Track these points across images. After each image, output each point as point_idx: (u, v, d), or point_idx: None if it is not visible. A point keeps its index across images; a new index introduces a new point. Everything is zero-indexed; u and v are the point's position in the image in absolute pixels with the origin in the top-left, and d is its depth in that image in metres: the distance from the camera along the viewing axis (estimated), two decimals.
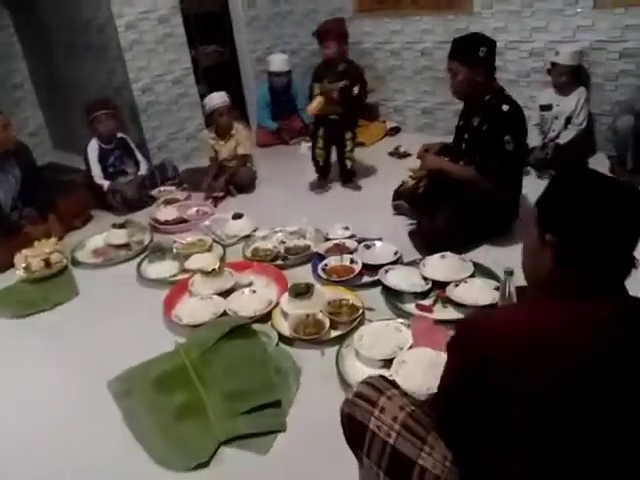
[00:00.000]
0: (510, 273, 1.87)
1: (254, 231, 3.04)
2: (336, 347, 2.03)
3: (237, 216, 3.08)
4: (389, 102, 4.59)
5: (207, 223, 3.21)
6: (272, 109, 4.58)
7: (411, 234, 2.78)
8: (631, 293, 1.04)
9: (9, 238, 3.07)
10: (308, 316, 2.16)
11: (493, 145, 2.47)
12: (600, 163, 3.40)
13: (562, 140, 3.42)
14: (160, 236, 3.20)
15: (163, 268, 2.76)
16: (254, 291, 2.41)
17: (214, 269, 2.49)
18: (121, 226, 3.12)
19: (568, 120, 3.45)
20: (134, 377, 2.03)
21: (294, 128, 4.69)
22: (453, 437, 1.12)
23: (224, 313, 2.28)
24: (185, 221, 3.32)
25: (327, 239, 2.81)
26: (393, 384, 1.27)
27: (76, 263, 2.99)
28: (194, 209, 3.44)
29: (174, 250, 2.87)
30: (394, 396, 1.19)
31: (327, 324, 2.10)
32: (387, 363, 1.90)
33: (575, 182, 1.05)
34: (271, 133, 4.61)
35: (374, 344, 1.96)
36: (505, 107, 2.47)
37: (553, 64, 3.47)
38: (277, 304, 2.29)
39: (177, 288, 2.54)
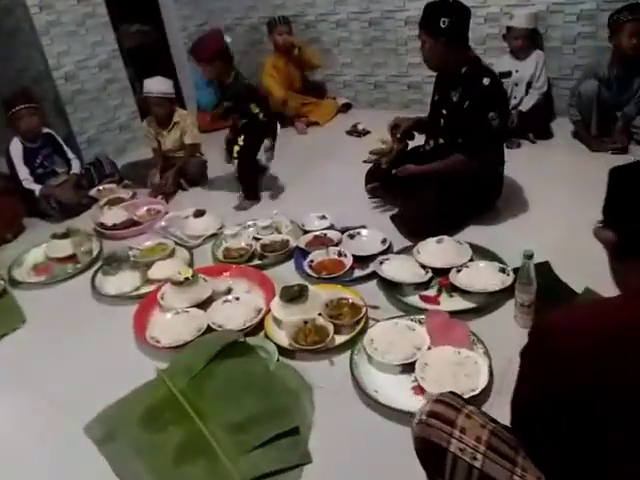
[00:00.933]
0: (530, 257, 1.74)
1: (220, 229, 2.75)
2: (344, 354, 1.83)
3: (199, 213, 2.76)
4: (338, 77, 4.35)
5: (163, 224, 2.88)
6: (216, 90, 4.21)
7: (393, 219, 2.59)
8: None
9: None
10: (306, 322, 1.94)
11: (478, 123, 2.32)
12: (562, 128, 3.37)
13: (524, 107, 3.34)
14: (110, 243, 2.83)
15: (123, 281, 2.42)
16: (237, 298, 2.14)
17: (187, 277, 2.19)
18: (63, 235, 2.72)
19: (529, 85, 3.38)
20: (116, 416, 1.73)
21: None
22: (542, 458, 0.99)
23: (208, 328, 2.01)
24: (136, 223, 2.96)
25: (305, 231, 2.58)
26: (464, 399, 1.12)
27: (15, 284, 2.57)
28: (144, 208, 3.08)
29: (131, 258, 2.53)
30: (472, 413, 1.05)
31: (331, 330, 1.89)
32: (406, 367, 1.72)
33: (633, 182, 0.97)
34: (214, 116, 4.23)
35: (388, 347, 1.77)
36: (486, 80, 2.31)
37: (508, 28, 3.38)
38: (268, 311, 2.04)
39: (145, 303, 2.23)
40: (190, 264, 2.48)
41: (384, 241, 2.39)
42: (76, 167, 3.39)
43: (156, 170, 3.32)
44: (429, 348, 1.75)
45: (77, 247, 2.67)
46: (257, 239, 2.59)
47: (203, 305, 2.15)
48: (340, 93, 4.38)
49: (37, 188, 3.13)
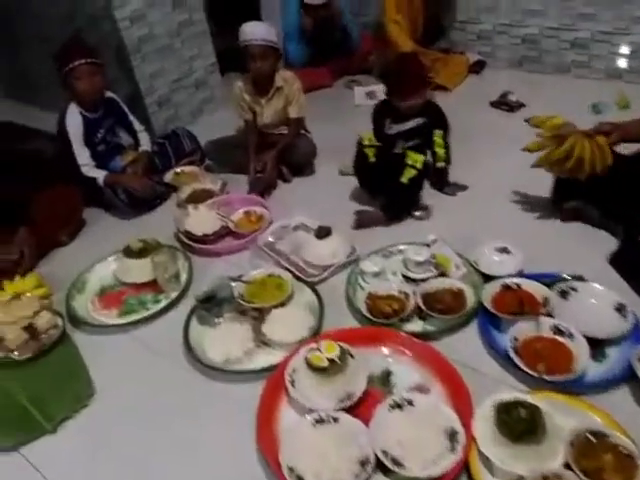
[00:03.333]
0: None
1: (351, 255, 1.97)
2: None
3: (324, 232, 1.97)
4: (471, 25, 3.36)
5: (270, 239, 2.12)
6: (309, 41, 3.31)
7: (617, 263, 1.76)
8: None
9: None
10: (546, 479, 1.18)
11: None
12: None
13: None
14: (200, 261, 2.11)
15: (228, 337, 1.68)
16: (410, 403, 1.39)
17: (332, 360, 1.45)
18: (140, 253, 2.00)
19: None
20: None
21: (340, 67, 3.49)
22: None
23: (378, 463, 1.28)
24: (233, 234, 2.21)
25: (483, 275, 1.78)
26: None
27: (75, 322, 1.90)
28: (241, 211, 2.30)
29: (237, 298, 1.80)
30: None
31: None
32: None
33: None
34: (306, 71, 3.34)
35: None
36: None
37: None
38: (469, 441, 1.29)
39: (269, 389, 1.50)
40: (319, 315, 1.73)
41: (620, 309, 1.57)
42: (146, 142, 2.63)
43: (252, 153, 2.53)
44: None
45: (161, 272, 1.95)
46: (407, 278, 1.82)
47: (356, 408, 1.42)
48: (471, 47, 3.40)
49: (101, 175, 2.39)
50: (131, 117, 2.60)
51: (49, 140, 3.14)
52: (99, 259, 2.13)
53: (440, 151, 2.20)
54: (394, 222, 2.16)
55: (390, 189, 2.15)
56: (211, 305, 1.78)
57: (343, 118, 3.06)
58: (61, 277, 2.10)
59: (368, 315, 1.68)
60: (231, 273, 1.95)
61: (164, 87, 3.04)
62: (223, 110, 3.30)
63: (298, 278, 1.90)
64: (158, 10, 2.88)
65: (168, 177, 2.59)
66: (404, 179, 2.11)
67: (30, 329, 1.75)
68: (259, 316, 1.77)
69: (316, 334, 1.66)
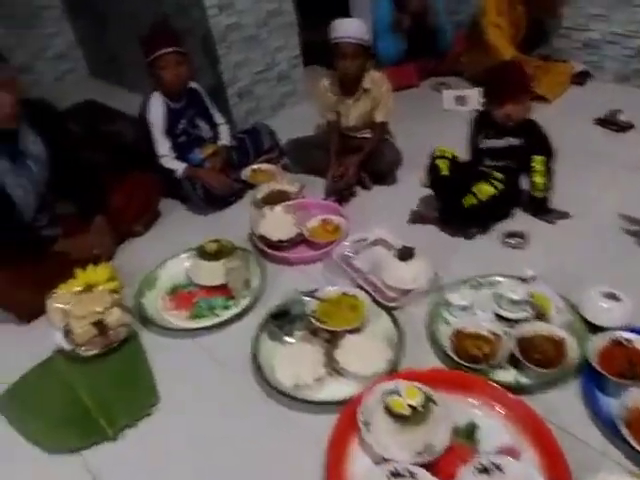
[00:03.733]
0: None
1: (433, 282, 1.82)
2: None
3: (407, 254, 1.83)
4: (578, 32, 3.08)
5: (347, 252, 2.00)
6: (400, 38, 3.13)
7: None
8: None
9: (35, 263, 1.93)
10: None
11: None
12: None
13: None
14: (272, 268, 2.02)
15: (298, 360, 1.57)
16: (499, 468, 1.24)
17: (414, 408, 1.31)
18: (214, 255, 1.92)
19: None
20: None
21: (428, 67, 3.30)
22: None
23: None
24: (308, 243, 2.11)
25: (589, 324, 1.58)
26: None
27: (145, 320, 1.85)
28: (318, 219, 2.19)
29: (309, 316, 1.69)
30: None
31: None
32: None
33: None
34: (392, 70, 3.15)
35: None
36: None
37: None
38: None
39: (341, 426, 1.39)
40: (398, 348, 1.60)
41: None
42: (226, 136, 2.55)
43: (333, 156, 2.41)
44: None
45: (233, 278, 1.87)
46: (499, 316, 1.65)
47: (435, 463, 1.28)
48: (576, 56, 3.12)
49: (180, 168, 2.34)
50: (213, 109, 2.53)
51: (131, 124, 3.14)
52: (172, 255, 2.08)
53: (539, 180, 2.00)
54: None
55: (452, 203, 2.04)
56: (283, 322, 1.68)
57: (429, 123, 2.89)
58: (132, 270, 2.07)
59: (454, 356, 1.53)
60: (303, 285, 1.87)
61: (247, 78, 2.95)
62: (303, 105, 3.21)
63: (374, 299, 1.77)
64: None
65: (245, 174, 2.52)
66: (465, 203, 1.98)
67: (99, 325, 1.71)
68: (331, 338, 1.66)
69: (394, 369, 1.53)
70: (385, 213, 2.25)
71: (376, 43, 3.19)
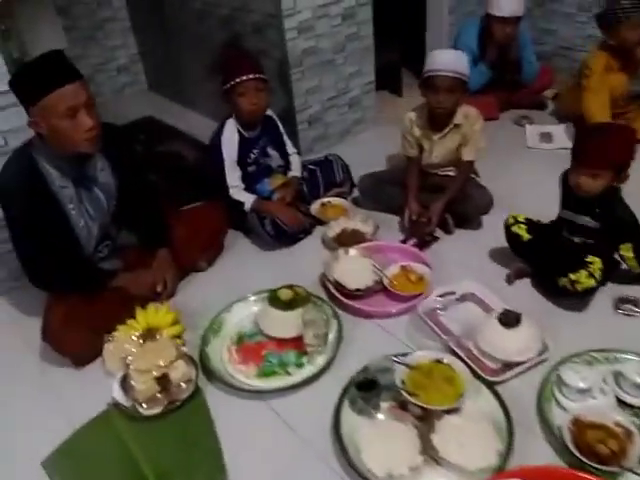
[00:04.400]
0: None
1: (542, 354, 1.58)
2: None
3: (512, 320, 1.59)
4: None
5: (438, 308, 1.79)
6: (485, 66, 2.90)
7: None
8: None
9: (92, 299, 1.77)
10: None
11: None
12: None
13: None
14: (348, 322, 1.81)
15: (390, 443, 1.35)
16: None
17: None
18: (288, 304, 1.73)
19: None
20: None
21: (509, 98, 3.07)
22: None
23: None
24: (389, 294, 1.90)
25: None
26: None
27: (209, 373, 1.66)
28: (398, 266, 1.98)
29: (399, 388, 1.47)
30: None
31: None
32: None
33: None
34: (470, 100, 2.93)
35: None
36: None
37: None
38: None
39: None
40: (507, 435, 1.37)
41: None
42: (297, 167, 2.39)
43: (413, 197, 2.20)
44: None
45: (309, 331, 1.67)
46: (621, 401, 1.41)
47: None
48: None
49: (249, 200, 2.17)
50: (285, 138, 2.37)
51: (191, 144, 3.03)
52: (238, 298, 1.90)
53: (634, 264, 1.76)
54: None
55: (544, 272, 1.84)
56: (371, 395, 1.47)
57: (513, 161, 2.66)
58: (193, 310, 1.91)
59: (575, 451, 1.29)
60: (383, 343, 1.71)
61: (317, 104, 2.79)
62: (371, 132, 3.05)
63: (472, 370, 1.55)
64: (327, 22, 2.63)
65: (315, 208, 2.34)
66: (559, 282, 1.75)
67: (163, 380, 1.54)
68: (424, 415, 1.44)
69: (501, 467, 1.30)
70: (470, 262, 2.04)
71: None
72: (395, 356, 1.56)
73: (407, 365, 1.54)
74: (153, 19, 3.55)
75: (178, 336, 1.76)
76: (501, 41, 2.79)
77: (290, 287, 1.80)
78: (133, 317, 1.79)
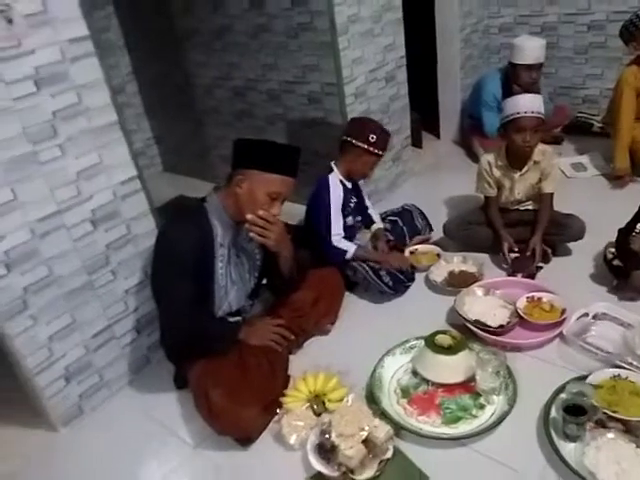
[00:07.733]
0: None
1: None
2: None
3: None
4: None
5: (583, 329, 1.86)
6: None
7: None
8: None
9: (243, 371, 1.71)
10: None
11: None
12: None
13: None
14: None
15: (625, 463, 1.38)
16: None
17: None
18: (449, 349, 1.74)
19: None
20: None
21: None
22: None
23: None
24: (525, 323, 1.96)
25: None
26: None
27: (398, 430, 1.61)
28: (523, 298, 2.04)
29: (605, 410, 1.49)
30: None
31: None
32: None
33: None
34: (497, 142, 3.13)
35: None
36: None
37: None
38: None
39: None
40: None
41: None
42: (378, 218, 2.48)
43: (505, 233, 2.32)
44: None
45: (479, 373, 1.69)
46: None
47: None
48: None
49: (351, 249, 2.20)
50: (363, 190, 2.46)
51: None
52: (386, 351, 1.88)
53: None
54: None
55: None
56: (583, 419, 1.49)
57: (563, 193, 2.84)
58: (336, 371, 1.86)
59: None
60: (545, 370, 1.77)
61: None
62: (413, 180, 3.26)
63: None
64: (375, 85, 2.80)
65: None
66: None
67: (369, 442, 1.49)
68: (625, 429, 1.48)
69: None
70: (576, 285, 2.15)
71: (484, 115, 3.23)
72: (582, 378, 1.61)
73: (594, 385, 1.59)
74: (169, 102, 3.61)
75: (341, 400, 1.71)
76: (527, 86, 3.05)
77: (443, 332, 1.82)
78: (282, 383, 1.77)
